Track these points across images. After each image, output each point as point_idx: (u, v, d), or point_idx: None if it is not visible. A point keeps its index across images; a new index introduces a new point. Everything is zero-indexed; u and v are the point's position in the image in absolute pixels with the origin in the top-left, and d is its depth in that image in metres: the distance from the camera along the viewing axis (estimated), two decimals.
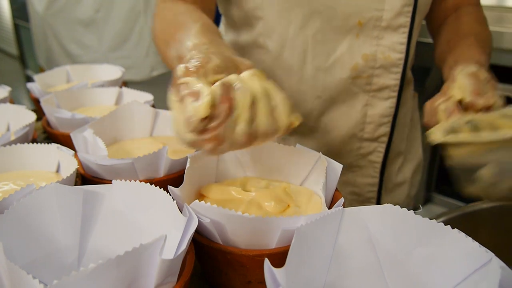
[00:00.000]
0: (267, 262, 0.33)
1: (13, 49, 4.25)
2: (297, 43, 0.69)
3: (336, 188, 0.50)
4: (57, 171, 0.56)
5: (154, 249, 0.34)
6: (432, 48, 0.80)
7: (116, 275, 0.33)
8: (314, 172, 0.51)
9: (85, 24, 2.49)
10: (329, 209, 0.44)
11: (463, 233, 0.38)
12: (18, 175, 0.55)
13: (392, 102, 0.73)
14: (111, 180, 0.46)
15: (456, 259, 0.37)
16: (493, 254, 0.36)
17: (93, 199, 0.45)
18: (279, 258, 0.40)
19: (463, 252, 0.37)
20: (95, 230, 0.45)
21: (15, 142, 0.59)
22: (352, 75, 0.71)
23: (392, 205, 0.40)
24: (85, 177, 0.55)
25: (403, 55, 0.70)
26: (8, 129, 0.69)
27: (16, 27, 3.98)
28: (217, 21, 0.71)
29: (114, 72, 0.96)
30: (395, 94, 0.72)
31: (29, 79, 3.77)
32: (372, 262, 0.41)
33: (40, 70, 2.97)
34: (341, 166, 0.49)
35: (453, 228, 0.38)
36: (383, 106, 0.73)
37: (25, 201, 0.43)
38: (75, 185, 0.52)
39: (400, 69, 0.71)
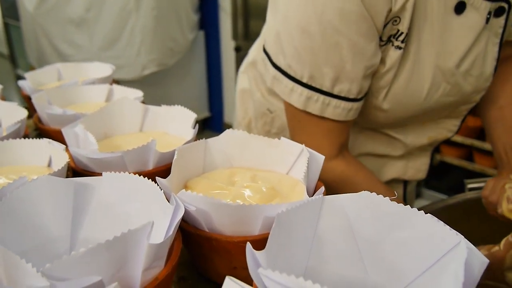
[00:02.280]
0: (248, 245, 0.35)
1: (3, 48, 4.23)
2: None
3: (319, 178, 0.52)
4: (49, 165, 0.58)
5: (141, 234, 0.36)
6: None
7: (105, 259, 0.35)
8: (299, 163, 0.53)
9: (76, 24, 2.50)
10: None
11: (435, 218, 0.40)
12: (10, 170, 0.56)
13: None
14: (102, 173, 0.47)
15: (428, 242, 0.39)
16: (462, 237, 0.38)
17: (84, 191, 0.47)
18: (262, 244, 0.41)
19: (434, 235, 0.39)
20: (86, 220, 0.47)
21: (7, 137, 0.60)
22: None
23: (369, 192, 0.42)
24: (76, 171, 0.56)
25: (453, 133, 0.85)
26: None
27: (6, 26, 3.96)
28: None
29: (104, 70, 0.98)
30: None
31: (20, 78, 3.76)
32: (351, 246, 0.44)
33: (31, 69, 2.97)
34: (323, 157, 0.51)
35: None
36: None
37: (18, 193, 0.44)
38: (66, 178, 0.54)
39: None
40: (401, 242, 0.41)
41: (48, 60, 2.64)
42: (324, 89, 0.67)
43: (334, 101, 0.68)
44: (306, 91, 0.68)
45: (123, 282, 0.37)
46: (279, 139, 0.56)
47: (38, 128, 0.72)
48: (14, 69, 3.97)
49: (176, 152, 0.50)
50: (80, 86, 0.82)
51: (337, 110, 0.68)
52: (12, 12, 3.54)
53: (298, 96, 0.69)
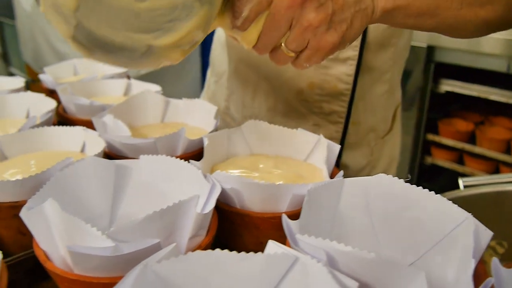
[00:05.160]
0: (284, 216, 0.40)
1: None
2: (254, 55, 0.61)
3: (335, 166, 0.57)
4: (82, 151, 0.62)
5: (190, 204, 0.41)
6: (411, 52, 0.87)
7: (159, 226, 0.39)
8: (316, 150, 0.58)
9: None
10: None
11: (445, 198, 0.45)
12: (47, 155, 0.60)
13: (338, 127, 0.78)
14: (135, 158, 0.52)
15: (438, 219, 0.44)
16: (470, 214, 0.43)
17: (123, 172, 0.51)
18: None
19: (444, 212, 0.44)
20: (125, 199, 0.51)
21: (41, 125, 0.64)
22: (299, 98, 0.76)
23: (386, 174, 0.47)
24: (109, 156, 0.61)
25: (350, 86, 0.74)
26: (28, 115, 0.75)
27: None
28: None
29: None
30: (342, 120, 0.77)
31: (13, 75, 3.76)
32: (367, 224, 0.48)
33: (26, 67, 2.98)
34: (339, 146, 0.56)
35: None
36: (331, 129, 0.79)
37: (65, 172, 0.48)
38: None
39: (347, 98, 0.76)
40: (413, 220, 0.46)
41: (44, 58, 2.65)
42: None
43: None
44: None
45: None
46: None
47: (62, 118, 0.76)
48: (7, 67, 3.97)
49: (206, 139, 0.55)
50: (100, 80, 0.86)
51: None
52: (6, 11, 3.55)
53: None
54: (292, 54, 0.46)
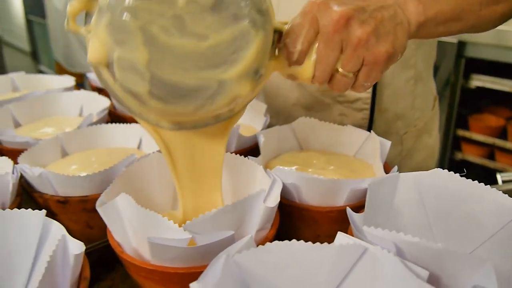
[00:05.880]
0: (349, 210, 0.42)
1: (25, 45, 4.32)
2: None
3: (386, 162, 0.58)
4: (138, 147, 0.65)
5: (259, 198, 0.43)
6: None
7: (230, 219, 0.42)
8: (365, 147, 0.60)
9: None
10: None
11: (500, 192, 0.46)
12: (106, 151, 0.63)
13: (365, 114, 0.77)
14: None
15: (493, 211, 0.45)
16: None
17: None
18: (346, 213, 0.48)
19: (499, 205, 0.45)
20: None
21: (97, 123, 0.67)
22: (320, 88, 0.76)
23: (441, 169, 0.48)
24: None
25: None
26: (81, 113, 0.78)
27: (29, 23, 4.06)
28: None
29: None
30: (368, 106, 0.77)
31: (42, 73, 3.86)
32: (421, 218, 0.50)
33: (56, 64, 3.04)
34: (390, 142, 0.58)
35: None
36: (357, 116, 0.78)
37: (131, 168, 0.51)
38: None
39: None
40: (467, 214, 0.47)
41: (75, 56, 2.71)
42: None
43: None
44: None
45: None
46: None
47: (114, 115, 0.79)
48: (36, 65, 4.07)
49: (262, 136, 0.57)
50: None
51: None
52: (36, 9, 3.63)
53: None
54: (351, 75, 0.47)
